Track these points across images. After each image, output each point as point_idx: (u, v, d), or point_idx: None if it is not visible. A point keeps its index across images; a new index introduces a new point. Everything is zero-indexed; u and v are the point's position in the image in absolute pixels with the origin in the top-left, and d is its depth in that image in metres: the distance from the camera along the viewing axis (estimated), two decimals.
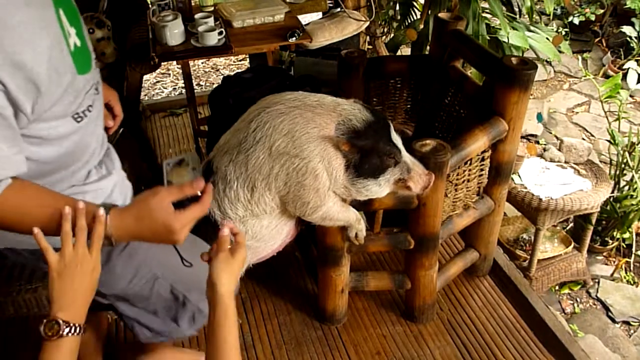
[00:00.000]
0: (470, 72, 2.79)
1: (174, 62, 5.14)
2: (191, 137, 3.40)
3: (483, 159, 2.10)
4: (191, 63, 5.27)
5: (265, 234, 1.88)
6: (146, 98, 4.65)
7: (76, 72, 1.14)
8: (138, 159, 2.36)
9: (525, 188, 2.97)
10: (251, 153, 1.69)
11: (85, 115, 1.20)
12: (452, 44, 2.28)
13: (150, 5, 2.80)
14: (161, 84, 4.99)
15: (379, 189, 1.73)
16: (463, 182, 2.08)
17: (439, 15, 2.36)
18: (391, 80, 2.52)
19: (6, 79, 0.99)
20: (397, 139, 1.70)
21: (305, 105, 1.66)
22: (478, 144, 1.96)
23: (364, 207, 1.90)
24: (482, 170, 2.13)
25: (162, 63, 5.00)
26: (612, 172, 3.34)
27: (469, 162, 2.03)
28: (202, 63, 5.31)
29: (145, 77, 5.07)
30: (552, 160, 3.18)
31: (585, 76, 4.73)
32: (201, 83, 5.01)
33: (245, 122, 1.72)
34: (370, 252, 2.45)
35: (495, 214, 2.27)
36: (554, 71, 5.22)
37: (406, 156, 1.72)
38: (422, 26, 3.27)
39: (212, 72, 5.19)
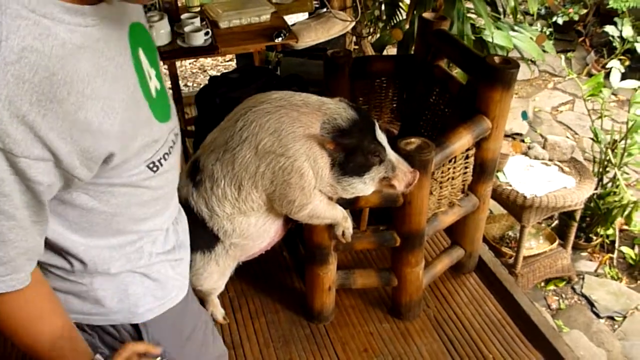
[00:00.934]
0: (456, 71, 2.82)
1: (162, 63, 5.14)
2: None
3: (467, 157, 2.13)
4: (178, 64, 5.29)
5: (253, 232, 1.90)
6: None
7: (156, 122, 0.99)
8: None
9: (510, 186, 3.01)
10: (238, 152, 1.70)
11: (161, 164, 1.02)
12: (436, 43, 2.30)
13: None
14: None
15: (364, 186, 1.75)
16: (448, 179, 2.11)
17: (424, 15, 2.38)
18: (377, 79, 2.54)
19: (63, 147, 0.80)
20: (382, 137, 1.72)
21: (291, 104, 1.67)
22: (462, 142, 1.98)
23: (350, 205, 1.92)
24: (466, 168, 2.16)
25: None
26: (596, 169, 3.38)
27: (453, 160, 2.05)
28: (190, 64, 5.31)
29: None
30: (536, 158, 3.22)
31: (568, 75, 4.78)
32: (188, 84, 5.01)
33: (232, 121, 1.74)
34: (357, 249, 2.47)
35: (480, 211, 2.30)
36: (539, 70, 5.28)
37: (391, 154, 1.74)
38: (407, 26, 3.30)
39: (199, 73, 5.19)
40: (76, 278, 1.04)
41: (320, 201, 1.78)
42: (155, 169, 1.01)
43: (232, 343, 2.21)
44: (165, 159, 1.03)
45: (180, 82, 5.00)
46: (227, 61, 5.24)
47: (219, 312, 2.25)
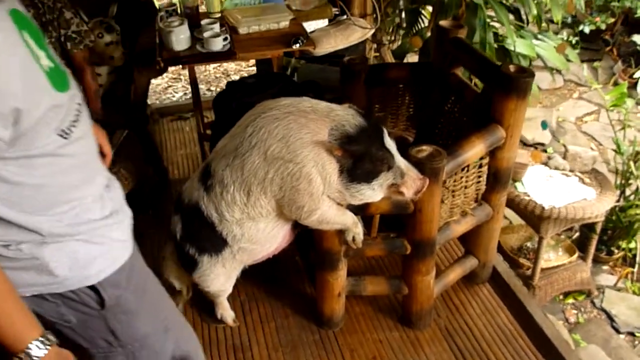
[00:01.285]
0: (476, 81, 2.80)
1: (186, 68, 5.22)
2: (197, 141, 3.44)
3: (481, 166, 2.11)
4: (202, 68, 5.37)
5: (261, 237, 1.91)
6: (157, 102, 4.72)
7: (54, 90, 1.10)
8: (142, 163, 2.40)
9: (528, 196, 2.97)
10: (247, 157, 1.72)
11: (71, 131, 1.13)
12: (452, 51, 2.29)
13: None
14: (172, 88, 5.05)
15: (373, 193, 1.75)
16: (460, 188, 2.09)
17: (441, 23, 2.37)
18: (393, 87, 2.54)
19: None
20: (390, 144, 1.73)
21: (300, 110, 1.69)
22: (475, 150, 1.97)
23: (360, 211, 1.92)
24: (479, 177, 2.14)
25: (172, 68, 5.09)
26: (618, 181, 3.32)
27: (466, 169, 2.04)
28: (214, 68, 5.37)
29: (157, 81, 5.15)
30: (556, 169, 3.18)
31: (590, 85, 4.70)
32: (212, 88, 5.06)
33: (242, 127, 1.76)
34: (368, 256, 2.46)
35: (494, 221, 2.28)
36: (564, 80, 5.20)
37: (400, 161, 1.74)
38: (429, 34, 3.29)
39: (223, 78, 5.24)
40: (24, 254, 1.13)
41: (330, 207, 1.79)
42: (66, 135, 1.12)
43: (241, 346, 2.22)
44: (74, 126, 1.14)
45: (203, 86, 5.09)
46: (251, 66, 5.28)
47: (229, 315, 2.27)
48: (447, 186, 2.00)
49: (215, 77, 5.24)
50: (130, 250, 1.29)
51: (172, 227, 2.02)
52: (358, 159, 1.68)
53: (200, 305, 2.35)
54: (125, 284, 1.25)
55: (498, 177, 2.16)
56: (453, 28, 2.32)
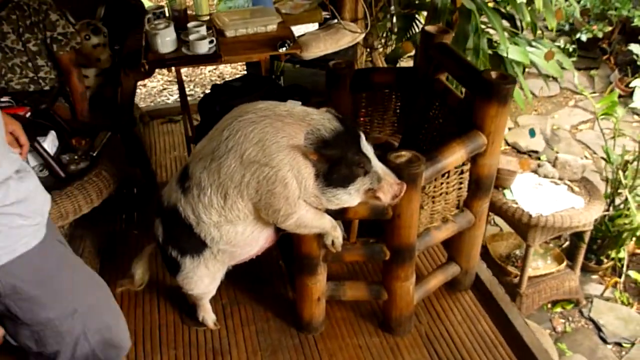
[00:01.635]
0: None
1: (183, 70, 5.23)
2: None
3: (462, 172, 2.10)
4: (198, 71, 5.38)
5: (240, 240, 1.91)
6: (152, 105, 4.73)
7: None
8: (125, 165, 2.40)
9: (516, 203, 2.95)
10: (223, 161, 1.72)
11: None
12: (437, 56, 2.29)
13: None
14: (167, 91, 5.06)
15: (349, 197, 1.74)
16: (441, 194, 2.08)
17: (426, 28, 2.37)
18: (379, 91, 2.54)
19: None
20: (367, 148, 1.72)
21: (276, 114, 1.68)
22: (455, 156, 1.96)
23: (339, 216, 1.91)
24: (461, 183, 2.13)
25: (158, 70, 5.09)
26: (608, 190, 3.30)
27: (446, 175, 2.03)
28: (209, 72, 5.38)
29: (152, 84, 5.17)
30: (546, 177, 3.16)
31: (581, 92, 4.69)
32: (206, 91, 5.06)
33: (219, 131, 1.76)
34: (347, 261, 2.45)
35: (476, 228, 2.26)
36: (560, 88, 5.19)
37: (377, 166, 1.74)
38: None
39: (218, 81, 5.25)
40: None
41: (307, 211, 1.78)
42: None
43: (220, 349, 2.21)
44: None
45: (198, 89, 5.10)
46: (246, 70, 5.29)
47: (210, 318, 2.27)
48: (426, 192, 1.99)
49: (211, 80, 5.24)
50: (37, 239, 1.29)
51: (154, 231, 2.02)
52: (334, 164, 1.68)
53: (181, 308, 2.34)
54: (23, 274, 1.26)
55: (480, 183, 2.15)
56: (438, 33, 2.32)
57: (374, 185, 1.73)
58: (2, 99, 2.26)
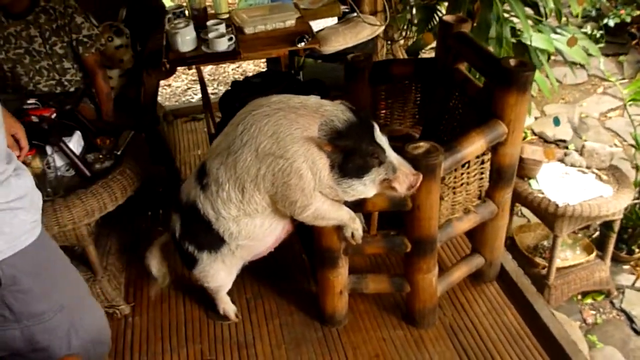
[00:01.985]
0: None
1: (206, 69, 5.28)
2: (208, 142, 3.48)
3: (483, 162, 2.08)
4: (221, 70, 5.43)
5: (258, 233, 1.93)
6: (177, 104, 4.78)
7: None
8: (148, 163, 2.44)
9: (543, 193, 2.90)
10: (239, 155, 1.74)
11: None
12: (456, 46, 2.27)
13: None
14: (192, 90, 5.12)
15: (365, 188, 1.74)
16: (462, 185, 2.06)
17: (444, 17, 2.34)
18: (398, 83, 2.52)
19: None
20: (381, 139, 1.72)
21: (289, 107, 1.69)
22: (475, 146, 1.94)
23: (357, 208, 1.91)
24: (482, 173, 2.11)
25: (192, 71, 5.14)
26: (639, 178, 3.22)
27: (467, 165, 2.01)
28: (232, 69, 5.42)
29: (177, 84, 5.23)
30: (572, 166, 3.10)
31: (608, 79, 4.57)
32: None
33: (234, 126, 1.78)
34: (368, 254, 2.44)
35: (499, 219, 2.24)
36: (588, 75, 5.08)
37: (392, 156, 1.73)
38: None
39: (241, 79, 5.28)
40: None
41: (323, 202, 1.79)
42: None
43: (244, 343, 2.24)
44: None
45: (222, 87, 5.14)
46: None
47: (231, 309, 2.29)
48: (446, 183, 1.97)
49: (234, 78, 5.28)
50: (35, 235, 1.34)
51: (171, 225, 2.05)
52: (348, 154, 1.68)
53: (206, 304, 2.37)
54: (23, 266, 1.31)
55: (501, 173, 2.12)
56: (457, 22, 2.29)
57: (389, 176, 1.73)
58: (29, 101, 2.32)
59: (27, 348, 1.40)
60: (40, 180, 2.11)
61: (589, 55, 3.86)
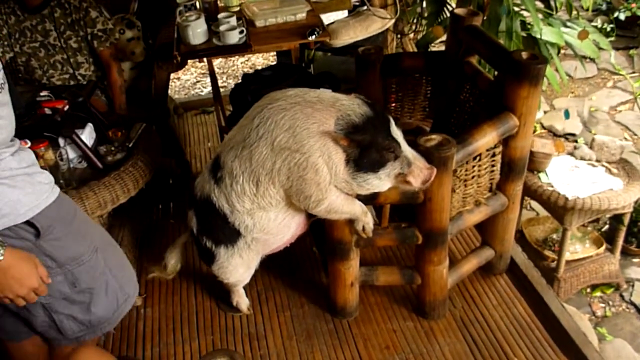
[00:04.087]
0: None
1: (215, 63, 5.29)
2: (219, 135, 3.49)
3: (494, 155, 2.08)
4: (230, 63, 5.43)
5: (273, 227, 1.94)
6: (186, 97, 4.80)
7: None
8: (159, 155, 2.45)
9: (552, 187, 2.90)
10: (255, 148, 1.74)
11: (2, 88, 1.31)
12: (466, 39, 2.27)
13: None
14: (201, 83, 5.13)
15: (380, 182, 1.75)
16: (473, 177, 2.07)
17: (455, 10, 2.34)
18: (408, 76, 2.53)
19: None
20: (397, 133, 1.72)
21: (306, 101, 1.70)
22: (486, 139, 1.94)
23: (370, 201, 1.92)
24: (493, 166, 2.11)
25: (200, 64, 5.15)
26: None
27: (478, 158, 2.02)
28: (242, 63, 5.43)
29: (186, 77, 5.25)
30: (582, 159, 3.10)
31: (619, 72, 4.55)
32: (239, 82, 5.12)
33: (249, 119, 1.78)
34: (379, 246, 2.45)
35: (510, 211, 2.24)
36: (598, 68, 5.05)
37: (407, 150, 1.74)
38: None
39: (250, 72, 5.29)
40: None
41: (337, 196, 1.80)
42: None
43: (256, 334, 2.26)
44: (2, 89, 1.30)
45: (231, 80, 5.15)
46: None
47: (244, 302, 2.31)
48: (458, 175, 1.98)
49: (243, 71, 5.29)
50: (55, 194, 1.45)
51: (188, 222, 2.07)
52: (364, 149, 1.68)
53: (217, 295, 2.39)
54: (55, 216, 1.42)
55: (512, 166, 2.12)
56: (468, 16, 2.29)
57: (404, 170, 1.73)
58: (42, 93, 2.34)
59: (72, 290, 1.50)
60: (53, 172, 2.11)
61: (600, 49, 3.84)
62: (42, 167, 1.92)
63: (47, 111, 2.25)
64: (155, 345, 2.25)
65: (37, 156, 2.13)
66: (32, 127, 2.19)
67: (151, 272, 2.29)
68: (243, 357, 2.15)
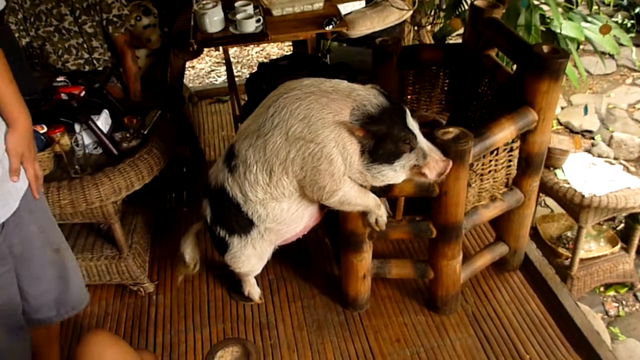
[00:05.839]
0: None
1: (230, 52, 5.28)
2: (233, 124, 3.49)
3: (511, 150, 2.06)
4: (245, 52, 5.42)
5: (285, 217, 1.93)
6: (200, 86, 4.80)
7: None
8: (174, 143, 2.45)
9: (568, 184, 2.87)
10: (269, 138, 1.73)
11: None
12: (486, 32, 2.24)
13: None
14: (215, 72, 5.13)
15: (395, 174, 1.73)
16: (489, 172, 2.05)
17: (475, 2, 2.31)
18: (426, 68, 2.50)
19: None
20: (413, 124, 1.70)
21: (321, 91, 1.68)
22: (504, 133, 1.92)
23: (384, 193, 1.90)
24: (510, 161, 2.09)
25: (215, 52, 5.14)
26: None
27: (495, 152, 1.99)
28: (257, 52, 5.41)
29: (200, 65, 5.24)
30: (600, 156, 3.06)
31: (638, 69, 4.48)
32: (253, 71, 5.10)
33: (264, 108, 1.77)
34: (392, 239, 2.44)
35: (526, 207, 2.22)
36: (617, 65, 4.98)
37: (423, 142, 1.72)
38: None
39: (265, 61, 5.28)
40: None
41: (351, 188, 1.78)
42: None
43: (267, 324, 2.26)
44: None
45: (246, 70, 5.14)
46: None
47: (256, 292, 2.31)
48: (474, 169, 1.96)
49: (258, 61, 5.27)
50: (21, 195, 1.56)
51: (202, 211, 2.06)
52: (380, 140, 1.67)
53: (229, 284, 2.40)
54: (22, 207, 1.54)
55: (530, 161, 2.10)
56: (488, 8, 2.26)
57: (420, 162, 1.72)
58: (59, 79, 2.34)
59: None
60: (68, 157, 2.14)
61: (620, 44, 3.78)
62: (57, 153, 1.96)
63: (64, 96, 2.25)
64: (167, 331, 2.26)
65: (53, 141, 2.15)
66: (48, 112, 2.19)
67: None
68: (254, 345, 2.15)
